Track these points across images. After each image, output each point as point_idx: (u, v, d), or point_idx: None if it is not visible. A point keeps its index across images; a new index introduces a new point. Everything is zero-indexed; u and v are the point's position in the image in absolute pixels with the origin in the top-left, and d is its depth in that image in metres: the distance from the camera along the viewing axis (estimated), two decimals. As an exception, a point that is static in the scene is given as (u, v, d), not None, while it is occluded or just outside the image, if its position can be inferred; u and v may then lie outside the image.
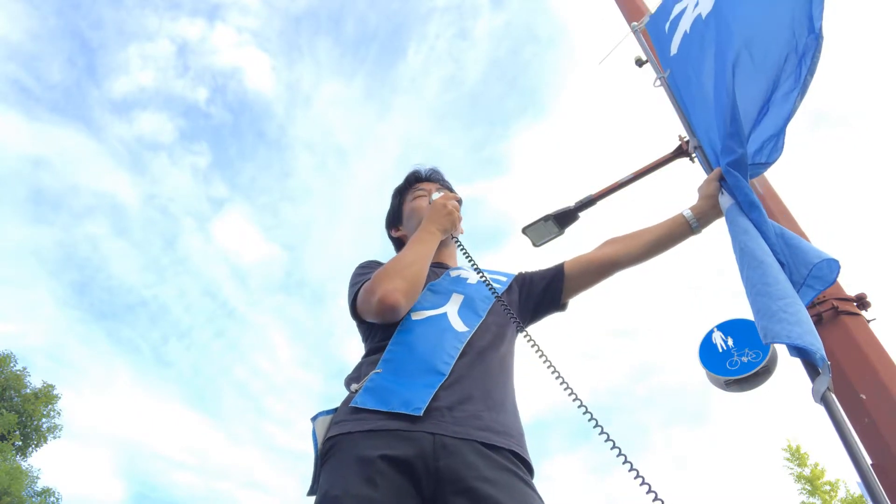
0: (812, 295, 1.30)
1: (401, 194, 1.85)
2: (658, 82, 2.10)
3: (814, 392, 1.15)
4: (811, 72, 1.32)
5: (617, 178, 3.90)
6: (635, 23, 2.59)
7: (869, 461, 1.06)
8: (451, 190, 1.81)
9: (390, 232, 1.85)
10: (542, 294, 1.59)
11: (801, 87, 1.34)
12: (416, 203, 1.76)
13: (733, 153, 1.41)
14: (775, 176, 3.01)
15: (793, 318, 1.13)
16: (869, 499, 1.02)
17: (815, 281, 1.29)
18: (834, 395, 1.15)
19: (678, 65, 1.94)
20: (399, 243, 1.82)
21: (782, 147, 1.45)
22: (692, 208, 1.57)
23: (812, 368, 1.19)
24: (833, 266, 1.27)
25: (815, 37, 1.30)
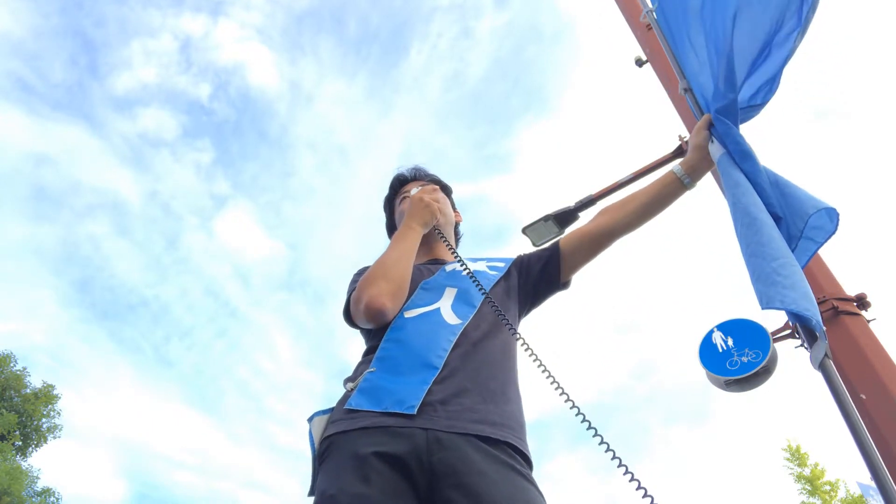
0: (814, 248, 1.24)
1: (390, 202, 1.85)
2: (644, 17, 1.95)
3: (812, 359, 1.11)
4: (813, 9, 1.26)
5: (618, 177, 3.90)
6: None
7: (866, 429, 1.01)
8: (436, 182, 1.80)
9: None
10: (540, 275, 1.57)
11: (803, 26, 1.28)
12: (402, 206, 1.75)
13: (724, 98, 1.34)
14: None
15: (787, 282, 1.09)
16: (866, 466, 0.97)
17: (814, 232, 1.23)
18: (832, 362, 1.11)
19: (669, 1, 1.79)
20: None
21: (777, 88, 1.39)
22: (682, 162, 1.53)
23: (810, 334, 1.14)
24: (832, 214, 1.20)
25: None
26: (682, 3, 1.62)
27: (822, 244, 1.23)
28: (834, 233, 1.22)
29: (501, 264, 1.61)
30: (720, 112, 1.36)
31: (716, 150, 1.40)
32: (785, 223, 1.23)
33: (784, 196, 1.26)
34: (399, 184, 1.83)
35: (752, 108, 1.43)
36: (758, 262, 1.14)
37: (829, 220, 1.21)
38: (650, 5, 1.91)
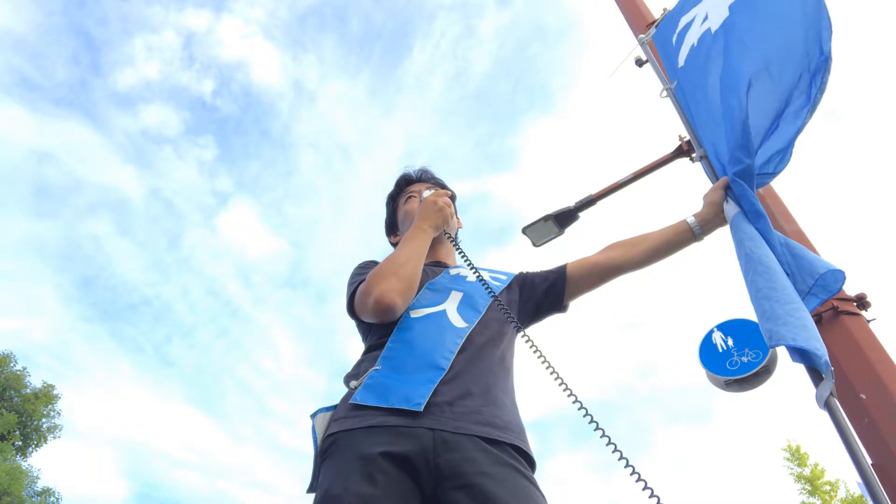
0: (815, 303, 1.32)
1: (393, 200, 1.85)
2: (664, 93, 2.09)
3: (818, 398, 1.15)
4: (821, 90, 1.37)
5: (618, 177, 3.90)
6: (642, 35, 2.57)
7: (870, 462, 1.05)
8: (443, 187, 1.81)
9: (389, 238, 1.86)
10: (543, 295, 1.59)
11: (812, 104, 1.39)
12: (408, 206, 1.76)
13: (741, 163, 1.43)
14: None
15: (798, 323, 1.14)
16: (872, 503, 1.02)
17: (819, 290, 1.31)
18: (837, 401, 1.15)
19: (685, 76, 1.96)
20: None
21: (789, 159, 1.47)
22: (696, 215, 1.56)
23: (815, 374, 1.18)
24: (838, 276, 1.29)
25: (825, 58, 1.36)
26: (700, 75, 1.75)
27: (823, 300, 1.33)
28: (836, 293, 1.32)
29: (504, 277, 1.63)
30: (737, 175, 1.44)
31: (730, 209, 1.48)
32: (792, 279, 1.31)
33: (794, 256, 1.35)
34: (405, 182, 1.84)
35: (764, 175, 1.51)
36: (769, 304, 1.19)
37: (833, 280, 1.30)
38: (669, 83, 2.07)
